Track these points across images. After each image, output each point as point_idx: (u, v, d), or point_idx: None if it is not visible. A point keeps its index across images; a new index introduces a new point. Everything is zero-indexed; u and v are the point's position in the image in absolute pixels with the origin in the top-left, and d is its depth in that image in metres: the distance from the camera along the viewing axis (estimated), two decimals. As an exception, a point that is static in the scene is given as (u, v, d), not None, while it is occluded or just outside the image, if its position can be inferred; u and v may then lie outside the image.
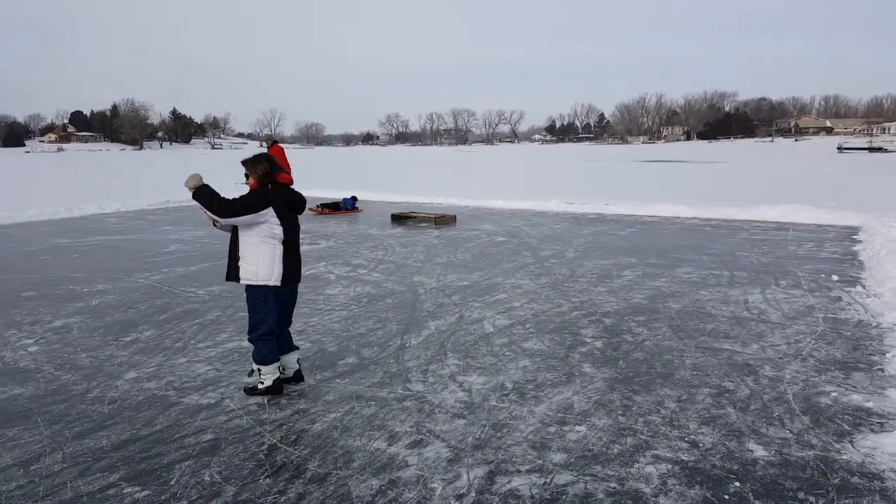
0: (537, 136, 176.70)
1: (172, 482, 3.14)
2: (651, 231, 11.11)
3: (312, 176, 27.67)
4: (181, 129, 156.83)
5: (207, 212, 3.92)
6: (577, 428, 3.63)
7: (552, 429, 3.62)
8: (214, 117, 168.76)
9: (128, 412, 3.95)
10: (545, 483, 3.07)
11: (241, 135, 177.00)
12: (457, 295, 6.70)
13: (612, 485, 3.05)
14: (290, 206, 4.09)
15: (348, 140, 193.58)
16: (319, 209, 14.55)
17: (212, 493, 3.04)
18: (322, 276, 7.68)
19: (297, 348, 4.43)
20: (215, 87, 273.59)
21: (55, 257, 9.33)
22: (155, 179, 27.97)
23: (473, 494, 2.99)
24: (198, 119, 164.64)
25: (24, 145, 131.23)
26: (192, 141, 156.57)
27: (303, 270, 4.32)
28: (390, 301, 6.49)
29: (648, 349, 4.95)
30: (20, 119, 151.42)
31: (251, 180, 4.07)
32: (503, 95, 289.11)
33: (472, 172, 33.67)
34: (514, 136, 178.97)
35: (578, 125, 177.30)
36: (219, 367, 4.73)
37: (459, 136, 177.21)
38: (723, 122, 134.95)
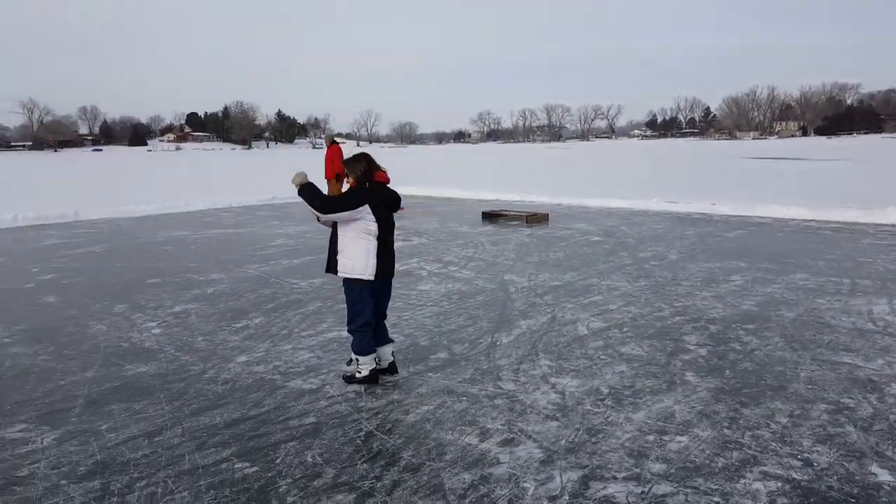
0: (636, 132, 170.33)
1: (278, 461, 3.32)
2: (762, 233, 10.50)
3: (406, 173, 28.22)
4: (286, 130, 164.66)
5: (310, 207, 4.14)
6: (679, 438, 3.50)
7: (651, 437, 3.51)
8: (316, 118, 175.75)
9: (239, 393, 4.21)
10: (643, 492, 2.98)
11: (339, 134, 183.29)
12: (549, 295, 6.62)
13: (716, 499, 2.92)
14: (385, 203, 4.25)
15: (440, 138, 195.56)
16: None
17: (314, 474, 3.19)
18: (414, 272, 7.82)
19: (392, 341, 4.55)
20: (317, 89, 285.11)
21: (175, 248, 10.06)
22: (262, 177, 29.46)
23: (567, 497, 2.95)
24: (300, 120, 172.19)
25: (146, 144, 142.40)
26: (296, 141, 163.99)
27: (396, 266, 4.45)
28: (481, 299, 6.52)
29: (758, 359, 4.68)
30: (143, 120, 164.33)
31: (350, 179, 4.24)
32: (600, 90, 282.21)
33: (565, 169, 33.10)
34: (611, 132, 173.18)
35: (682, 120, 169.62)
36: (320, 354, 4.94)
37: (553, 132, 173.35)
38: (844, 116, 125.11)
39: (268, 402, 4.06)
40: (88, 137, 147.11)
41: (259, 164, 48.33)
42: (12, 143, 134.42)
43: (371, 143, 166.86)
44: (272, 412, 3.92)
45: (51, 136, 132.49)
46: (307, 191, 4.16)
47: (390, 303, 4.41)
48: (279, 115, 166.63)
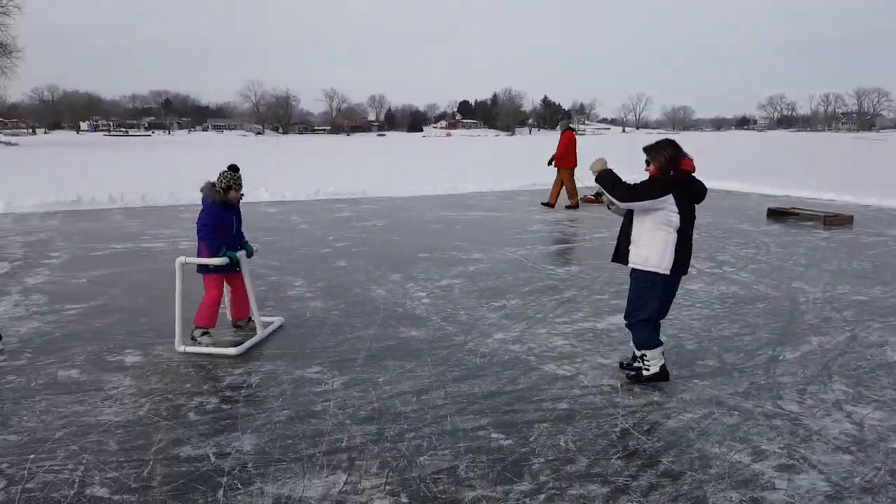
0: None
1: (531, 439, 3.38)
2: None
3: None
4: (549, 116, 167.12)
5: (607, 194, 4.03)
6: None
7: (984, 496, 2.81)
8: (581, 103, 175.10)
9: (495, 367, 4.38)
10: (971, 561, 2.40)
11: (604, 120, 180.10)
12: (849, 310, 5.69)
13: None
14: (690, 194, 3.94)
15: (718, 124, 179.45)
16: (594, 198, 13.93)
17: (566, 459, 3.17)
18: (682, 270, 7.33)
19: (662, 343, 4.26)
20: (586, 74, 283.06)
21: (443, 227, 10.83)
22: (522, 163, 30.26)
23: (861, 544, 2.51)
24: (565, 106, 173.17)
25: (422, 130, 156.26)
26: (557, 127, 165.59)
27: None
28: (761, 306, 5.85)
29: None
30: (421, 108, 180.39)
31: (651, 166, 4.00)
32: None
33: (878, 164, 27.96)
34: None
35: None
36: (574, 343, 4.90)
37: (864, 120, 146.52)
38: None
39: (522, 381, 4.15)
40: (375, 123, 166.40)
41: (520, 150, 49.79)
42: (315, 128, 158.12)
43: (638, 128, 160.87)
44: (526, 391, 3.99)
45: (345, 121, 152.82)
46: (606, 177, 4.01)
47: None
48: (544, 101, 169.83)
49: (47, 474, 2.98)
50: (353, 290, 6.48)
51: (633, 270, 4.07)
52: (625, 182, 3.97)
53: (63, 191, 13.66)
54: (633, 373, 4.18)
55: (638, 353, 4.14)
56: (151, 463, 3.11)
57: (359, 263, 7.75)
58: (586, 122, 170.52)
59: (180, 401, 3.84)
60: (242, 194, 4.89)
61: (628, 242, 4.06)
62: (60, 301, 5.98)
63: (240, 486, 2.92)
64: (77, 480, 2.93)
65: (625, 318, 4.19)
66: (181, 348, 4.63)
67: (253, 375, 4.22)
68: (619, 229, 4.23)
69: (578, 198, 13.44)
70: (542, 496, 2.85)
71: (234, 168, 4.84)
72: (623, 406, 3.80)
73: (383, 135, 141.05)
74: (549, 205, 13.40)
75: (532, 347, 4.79)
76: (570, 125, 13.95)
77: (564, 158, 13.39)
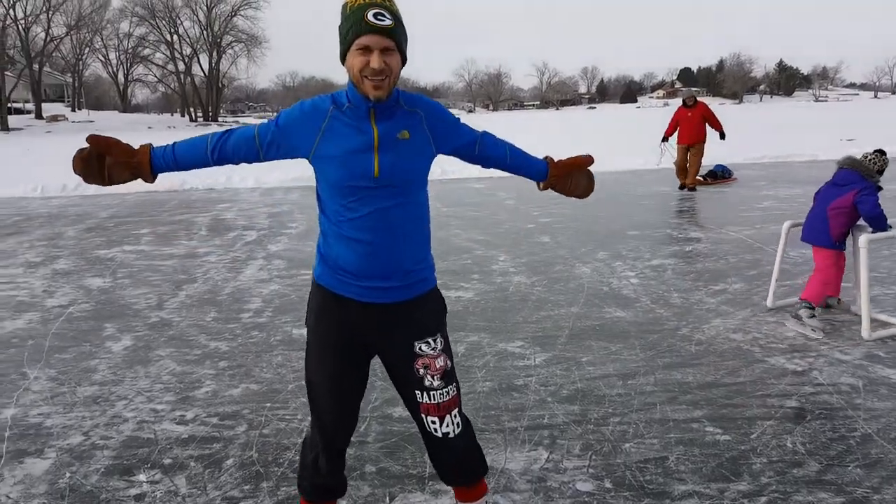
0: None
1: (753, 436, 3.07)
2: None
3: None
4: (784, 82, 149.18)
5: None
6: None
7: None
8: (823, 67, 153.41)
9: (712, 357, 4.05)
10: None
11: (852, 85, 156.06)
12: None
13: None
14: None
15: None
16: (708, 180, 12.50)
17: (793, 461, 2.84)
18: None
19: None
20: (829, 33, 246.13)
21: (656, 203, 10.26)
22: (747, 133, 27.42)
23: None
24: (805, 70, 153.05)
25: (635, 101, 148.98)
26: (795, 93, 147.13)
27: None
28: None
29: None
30: (637, 78, 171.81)
31: None
32: None
33: None
34: None
35: None
36: (810, 336, 4.34)
37: None
38: None
39: (744, 373, 3.78)
40: (585, 96, 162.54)
41: (745, 119, 45.18)
42: (525, 103, 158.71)
43: (894, 93, 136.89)
44: (748, 384, 3.64)
45: (555, 95, 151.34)
46: None
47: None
48: (780, 65, 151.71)
49: (280, 422, 3.39)
50: (556, 266, 6.42)
51: None
52: None
53: (301, 168, 15.41)
54: None
55: None
56: (368, 420, 3.39)
57: (563, 240, 7.65)
58: (829, 87, 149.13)
59: (395, 364, 4.12)
60: None
61: None
62: (296, 267, 6.77)
63: (445, 449, 3.06)
64: (304, 430, 3.28)
65: None
66: (869, 336, 4.22)
67: (458, 345, 4.39)
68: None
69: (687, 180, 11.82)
70: (763, 499, 2.59)
71: (882, 152, 4.56)
72: (865, 409, 3.30)
73: (594, 107, 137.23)
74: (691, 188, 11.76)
75: (757, 337, 4.34)
76: (695, 97, 12.16)
77: (693, 132, 11.68)
